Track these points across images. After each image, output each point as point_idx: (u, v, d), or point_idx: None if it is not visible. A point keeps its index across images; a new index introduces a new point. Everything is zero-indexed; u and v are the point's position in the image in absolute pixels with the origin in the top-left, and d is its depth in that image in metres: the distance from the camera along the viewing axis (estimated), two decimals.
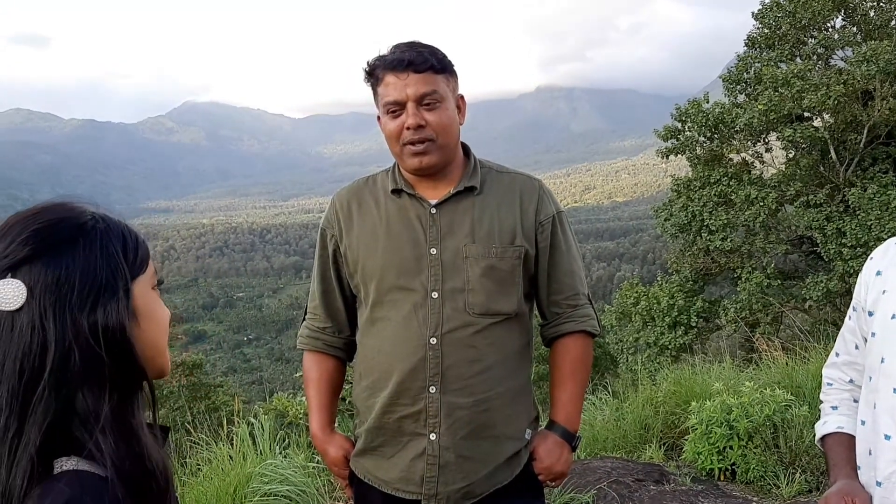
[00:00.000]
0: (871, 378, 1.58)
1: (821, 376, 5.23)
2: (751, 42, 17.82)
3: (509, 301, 1.89)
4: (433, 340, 1.82)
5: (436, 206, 1.88)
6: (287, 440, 4.65)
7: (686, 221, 16.77)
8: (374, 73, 1.84)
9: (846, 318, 1.75)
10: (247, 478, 3.85)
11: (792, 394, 5.05)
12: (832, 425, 1.71)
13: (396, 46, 1.83)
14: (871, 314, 1.61)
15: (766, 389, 5.00)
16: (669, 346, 16.28)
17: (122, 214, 1.05)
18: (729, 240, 15.91)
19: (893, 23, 16.74)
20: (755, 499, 4.42)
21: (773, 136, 17.00)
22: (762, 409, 4.70)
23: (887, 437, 1.49)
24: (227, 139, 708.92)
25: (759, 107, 15.24)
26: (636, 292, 18.33)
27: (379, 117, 1.89)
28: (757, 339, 7.75)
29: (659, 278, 18.97)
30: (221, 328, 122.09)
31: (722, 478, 4.73)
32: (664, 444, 5.32)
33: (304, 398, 5.59)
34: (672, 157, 17.67)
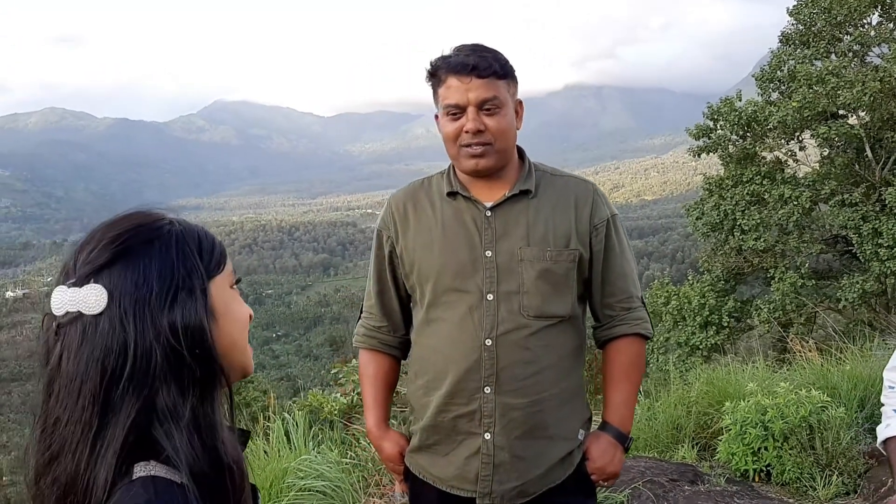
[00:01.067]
0: None
1: (856, 378, 5.14)
2: (785, 39, 17.61)
3: (563, 304, 1.92)
4: (488, 342, 1.85)
5: (491, 208, 1.91)
6: (321, 436, 4.70)
7: (718, 220, 16.64)
8: (437, 73, 1.86)
9: None
10: (282, 473, 3.90)
11: (828, 395, 4.99)
12: (895, 428, 1.71)
13: (459, 49, 1.85)
14: None
15: (801, 390, 4.95)
16: (701, 346, 16.15)
17: None
18: (762, 239, 15.74)
19: None
20: (791, 501, 4.39)
21: (807, 135, 16.80)
22: (798, 410, 4.65)
23: None
24: (256, 137, 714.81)
25: (794, 104, 15.06)
26: (666, 291, 18.21)
27: (437, 116, 1.92)
28: (791, 340, 7.66)
29: (690, 277, 18.84)
30: (251, 325, 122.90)
31: (756, 479, 4.70)
32: (696, 444, 5.29)
33: (337, 394, 5.65)
34: (703, 155, 17.52)
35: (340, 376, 4.90)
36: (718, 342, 15.57)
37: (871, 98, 14.39)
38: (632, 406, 2.07)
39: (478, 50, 1.84)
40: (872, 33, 16.60)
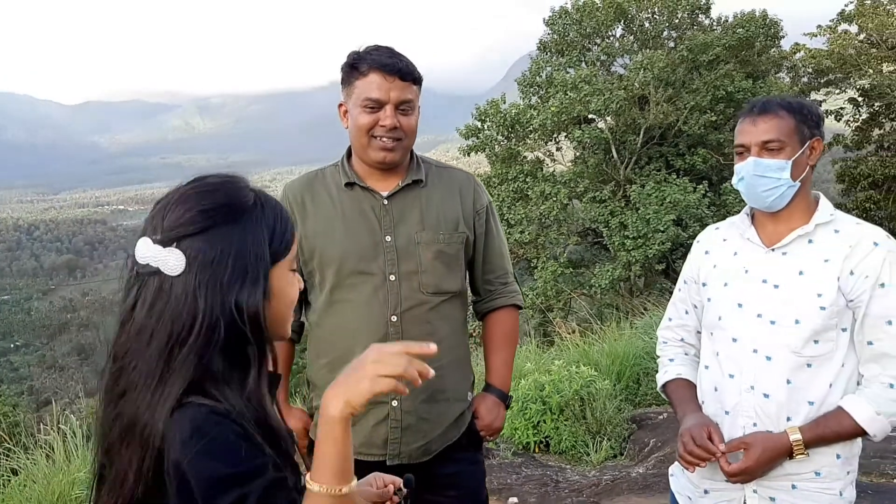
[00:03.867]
0: (711, 333, 1.91)
1: (613, 354, 5.75)
2: (542, 46, 19.00)
3: (455, 280, 2.14)
4: (394, 318, 2.04)
5: (387, 197, 2.08)
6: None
7: None
8: (359, 66, 2.00)
9: (676, 290, 2.10)
10: (70, 484, 3.63)
11: (594, 370, 5.52)
12: (672, 373, 2.04)
13: (379, 49, 2.01)
14: (704, 285, 1.95)
15: (572, 367, 5.43)
16: (473, 334, 16.92)
17: None
18: (526, 232, 16.91)
19: (665, 34, 18.58)
20: (569, 466, 4.81)
21: (563, 136, 18.26)
22: (571, 385, 5.11)
23: (731, 376, 1.84)
24: None
25: (552, 109, 16.31)
26: None
27: (341, 104, 2.08)
28: (557, 323, 8.32)
29: None
30: None
31: (537, 450, 5.09)
32: None
33: None
34: (471, 154, 18.43)
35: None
36: None
37: (617, 105, 16.00)
38: (510, 368, 2.33)
39: (398, 54, 2.01)
40: (617, 45, 18.43)
